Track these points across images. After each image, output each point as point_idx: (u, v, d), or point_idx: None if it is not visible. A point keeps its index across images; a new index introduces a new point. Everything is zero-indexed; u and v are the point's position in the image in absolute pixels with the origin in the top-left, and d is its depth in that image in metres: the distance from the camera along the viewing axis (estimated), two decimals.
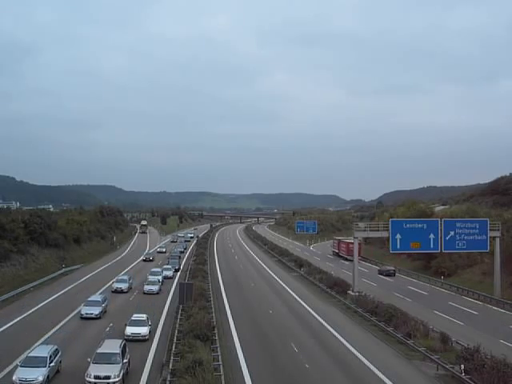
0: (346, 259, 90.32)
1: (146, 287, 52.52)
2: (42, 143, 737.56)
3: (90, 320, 39.07)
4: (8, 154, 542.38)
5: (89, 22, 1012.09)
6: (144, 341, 33.05)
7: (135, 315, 35.29)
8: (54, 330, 35.71)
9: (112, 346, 27.07)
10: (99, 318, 39.19)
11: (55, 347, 27.19)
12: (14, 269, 58.70)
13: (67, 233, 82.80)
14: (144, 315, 35.42)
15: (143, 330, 33.64)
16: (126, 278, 55.46)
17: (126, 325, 33.79)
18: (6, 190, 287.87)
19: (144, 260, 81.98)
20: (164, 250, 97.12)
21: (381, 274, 74.27)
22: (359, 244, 67.25)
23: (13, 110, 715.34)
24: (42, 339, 32.69)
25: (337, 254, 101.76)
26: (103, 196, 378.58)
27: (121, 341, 28.21)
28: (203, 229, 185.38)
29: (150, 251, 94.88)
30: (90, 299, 41.62)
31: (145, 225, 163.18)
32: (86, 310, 39.57)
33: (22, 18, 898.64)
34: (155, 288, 52.34)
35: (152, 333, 35.30)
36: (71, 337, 34.02)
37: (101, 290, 51.86)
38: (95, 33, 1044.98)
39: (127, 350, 27.73)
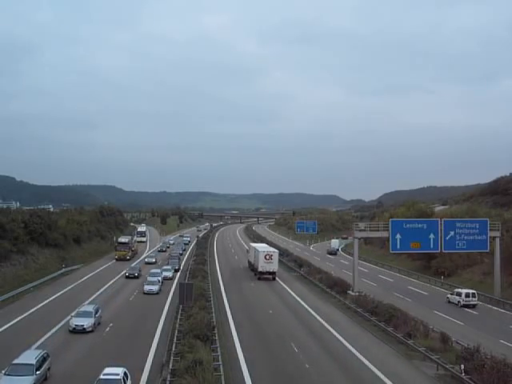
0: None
1: (146, 287, 52.28)
2: (41, 143, 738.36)
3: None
4: (8, 154, 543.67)
5: (88, 22, 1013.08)
6: None
7: (107, 370, 23.60)
8: (51, 331, 35.72)
9: None
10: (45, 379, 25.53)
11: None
12: (14, 269, 58.64)
13: (67, 233, 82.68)
14: (120, 371, 23.65)
15: None
16: (90, 309, 37.77)
17: None
18: (6, 190, 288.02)
19: (127, 276, 63.09)
20: (153, 260, 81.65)
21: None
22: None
23: (13, 110, 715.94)
24: (41, 341, 32.78)
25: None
26: (103, 196, 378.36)
27: None
28: (192, 234, 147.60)
29: (135, 264, 75.35)
30: (16, 361, 24.60)
31: (124, 242, 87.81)
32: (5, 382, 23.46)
33: (22, 18, 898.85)
34: (155, 288, 52.19)
35: (152, 331, 35.17)
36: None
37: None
38: (94, 32, 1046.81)
39: None
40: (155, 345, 32.71)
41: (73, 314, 37.89)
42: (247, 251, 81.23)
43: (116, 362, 28.18)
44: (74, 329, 35.18)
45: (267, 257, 66.12)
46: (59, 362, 27.88)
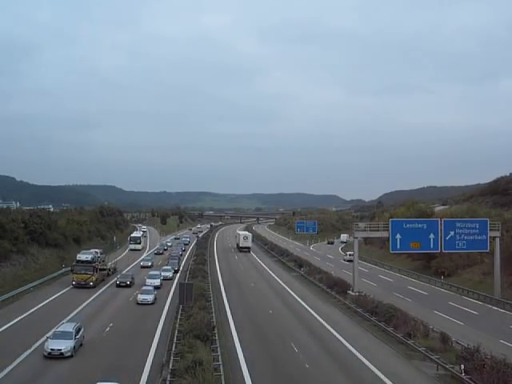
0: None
1: (140, 297, 46.94)
2: (41, 143, 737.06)
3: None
4: (8, 154, 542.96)
5: (88, 22, 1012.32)
6: None
7: None
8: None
9: None
10: None
11: None
12: (14, 269, 58.63)
13: (67, 233, 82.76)
14: None
15: None
16: (70, 329, 30.94)
17: None
18: (6, 190, 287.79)
19: (118, 285, 56.03)
20: (149, 263, 76.15)
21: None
22: None
23: (13, 110, 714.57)
24: (39, 342, 32.78)
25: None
26: (103, 196, 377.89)
27: None
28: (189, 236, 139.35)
29: (126, 270, 69.83)
30: None
31: (87, 261, 56.39)
32: None
33: (22, 18, 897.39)
34: (150, 297, 46.88)
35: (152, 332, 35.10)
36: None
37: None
38: (94, 32, 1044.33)
39: None
40: (155, 345, 32.67)
41: (49, 335, 30.79)
42: (235, 237, 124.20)
43: (116, 360, 28.42)
44: (50, 353, 28.59)
45: (244, 237, 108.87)
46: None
